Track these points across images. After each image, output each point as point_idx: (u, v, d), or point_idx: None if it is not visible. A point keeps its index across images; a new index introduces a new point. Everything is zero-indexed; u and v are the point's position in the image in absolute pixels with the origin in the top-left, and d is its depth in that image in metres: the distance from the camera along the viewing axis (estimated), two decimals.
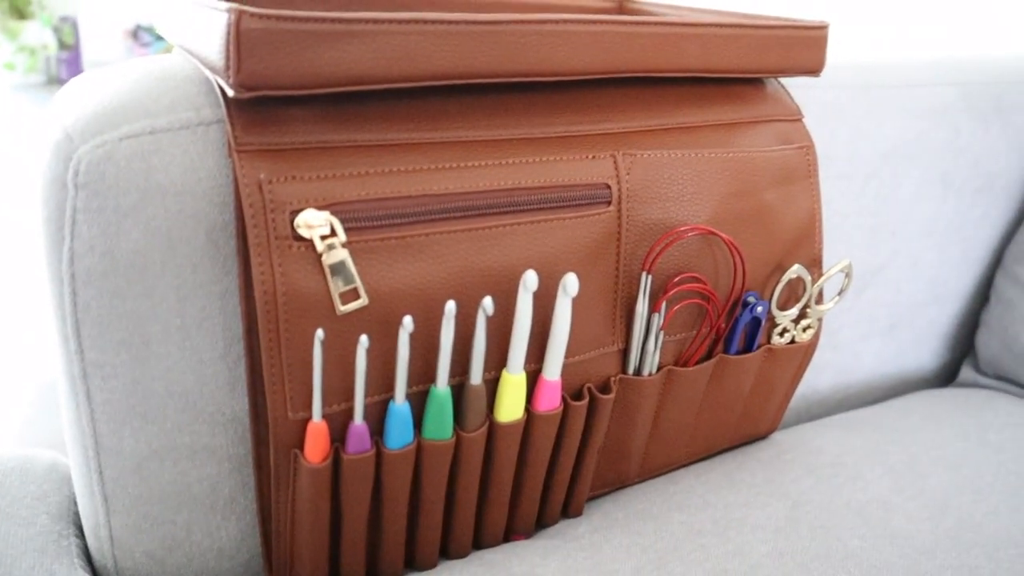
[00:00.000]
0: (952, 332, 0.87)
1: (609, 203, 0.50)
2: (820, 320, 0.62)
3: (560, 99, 0.50)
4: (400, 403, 0.44)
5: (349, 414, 0.45)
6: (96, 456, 0.46)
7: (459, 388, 0.47)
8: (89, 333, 0.43)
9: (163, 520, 0.48)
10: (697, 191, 0.53)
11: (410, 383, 0.46)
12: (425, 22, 0.41)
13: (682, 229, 0.52)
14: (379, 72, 0.41)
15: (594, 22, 0.46)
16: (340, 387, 0.44)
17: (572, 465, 0.54)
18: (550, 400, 0.49)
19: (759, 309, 0.56)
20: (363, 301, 0.42)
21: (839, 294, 0.61)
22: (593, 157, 0.49)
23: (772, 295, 0.58)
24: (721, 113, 0.56)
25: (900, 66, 0.74)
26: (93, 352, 0.44)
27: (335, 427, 0.45)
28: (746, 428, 0.65)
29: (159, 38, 3.25)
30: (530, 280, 0.44)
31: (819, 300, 0.61)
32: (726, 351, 0.58)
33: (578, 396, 0.52)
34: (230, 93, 0.39)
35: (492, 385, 0.48)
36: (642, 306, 0.52)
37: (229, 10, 0.38)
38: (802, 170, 0.59)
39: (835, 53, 0.74)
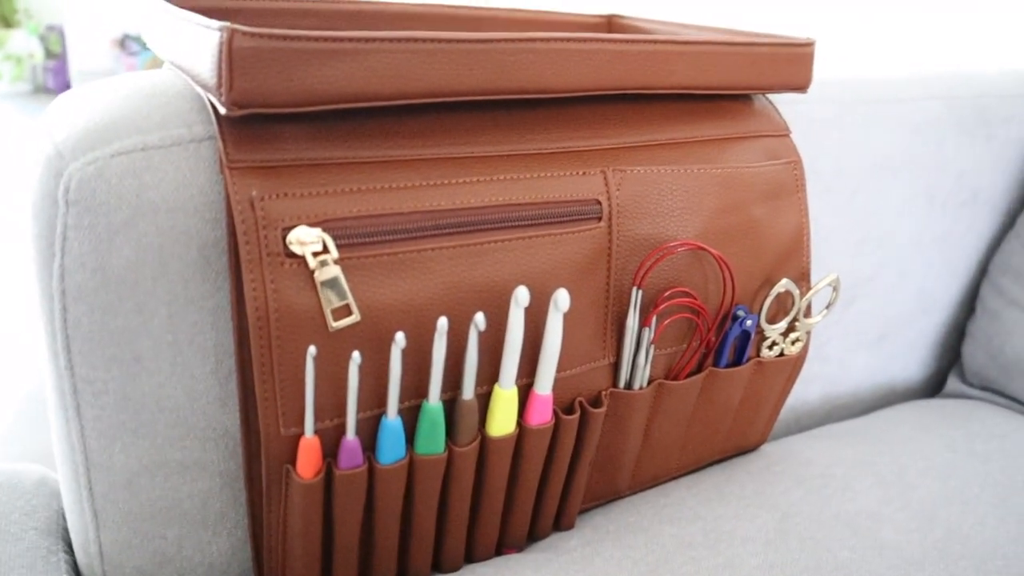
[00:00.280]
0: (939, 343, 0.88)
1: (600, 219, 0.50)
2: (808, 333, 0.62)
3: (550, 116, 0.50)
4: (392, 418, 0.45)
5: (341, 429, 0.45)
6: (86, 471, 0.46)
7: (451, 403, 0.47)
8: (80, 349, 0.43)
9: (153, 536, 0.48)
10: (686, 206, 0.53)
11: (402, 398, 0.46)
12: (416, 40, 0.41)
13: (672, 244, 0.52)
14: (371, 90, 0.41)
15: (584, 40, 0.47)
16: (332, 403, 0.44)
17: (564, 479, 0.54)
18: (542, 414, 0.49)
19: (748, 323, 0.57)
20: (355, 317, 0.42)
21: (827, 307, 0.61)
22: (583, 173, 0.50)
23: (761, 309, 0.58)
24: (710, 129, 0.56)
25: (886, 81, 0.75)
26: (84, 368, 0.44)
27: (327, 442, 0.45)
28: (736, 440, 0.65)
29: (146, 47, 3.24)
30: (521, 296, 0.44)
31: (807, 313, 0.62)
32: (716, 364, 0.58)
33: (569, 410, 0.52)
34: (222, 110, 0.39)
35: (484, 400, 0.49)
36: (633, 320, 0.52)
37: (221, 28, 0.38)
38: (790, 185, 0.59)
39: (822, 69, 0.75)
